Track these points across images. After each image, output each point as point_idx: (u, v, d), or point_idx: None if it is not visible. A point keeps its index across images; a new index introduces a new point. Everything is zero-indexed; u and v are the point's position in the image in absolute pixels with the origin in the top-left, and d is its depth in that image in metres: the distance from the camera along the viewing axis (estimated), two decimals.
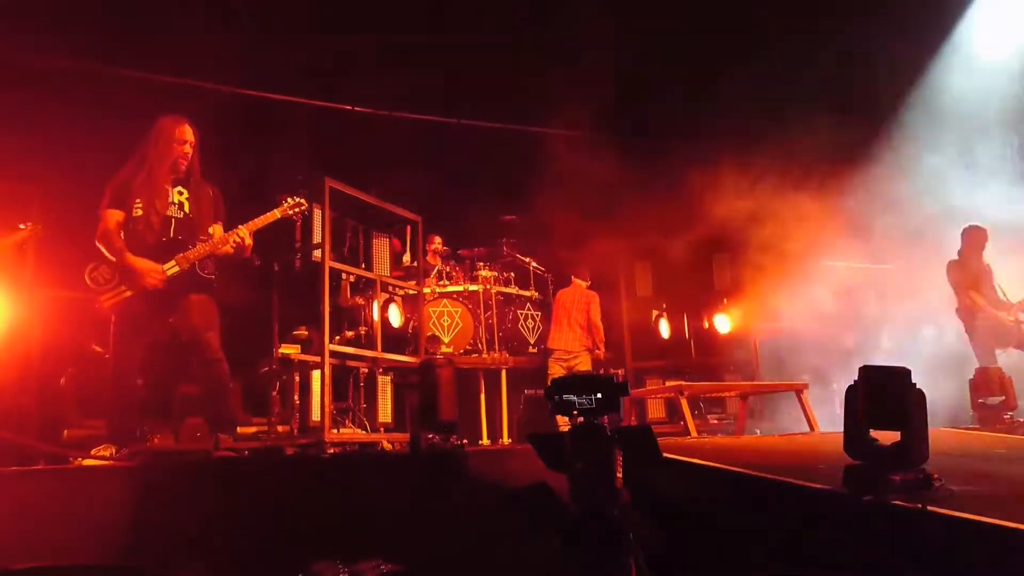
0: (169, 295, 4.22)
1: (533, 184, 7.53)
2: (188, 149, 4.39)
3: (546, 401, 2.46)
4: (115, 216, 4.25)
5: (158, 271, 4.20)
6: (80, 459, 4.14)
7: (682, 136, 8.24)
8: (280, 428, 5.93)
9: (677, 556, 2.65)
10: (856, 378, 2.83)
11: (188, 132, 4.40)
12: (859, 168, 7.66)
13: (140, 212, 4.26)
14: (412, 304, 6.95)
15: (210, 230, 4.45)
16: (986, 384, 6.11)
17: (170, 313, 4.25)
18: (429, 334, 7.05)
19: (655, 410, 7.69)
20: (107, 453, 4.10)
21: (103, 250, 4.23)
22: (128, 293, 4.17)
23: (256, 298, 6.20)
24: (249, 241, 4.44)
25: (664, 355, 8.13)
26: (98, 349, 5.46)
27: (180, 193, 4.39)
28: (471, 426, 6.89)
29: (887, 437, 2.76)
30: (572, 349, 7.32)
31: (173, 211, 4.34)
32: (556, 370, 7.25)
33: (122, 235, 4.25)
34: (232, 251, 4.40)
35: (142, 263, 4.19)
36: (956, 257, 7.14)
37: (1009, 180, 7.91)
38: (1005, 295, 6.99)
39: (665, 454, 3.09)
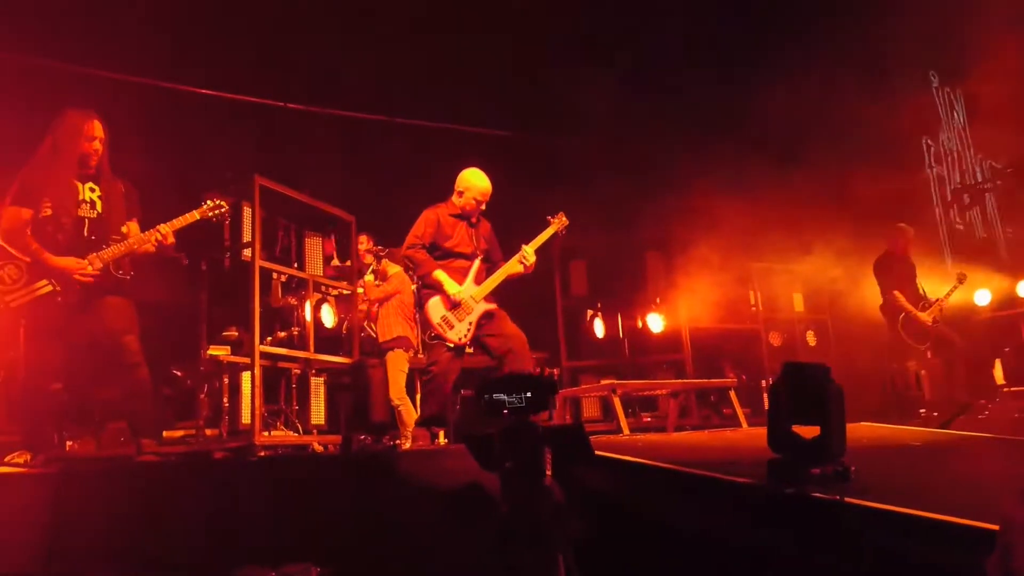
0: (83, 297, 4.05)
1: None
2: (98, 145, 4.16)
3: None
4: (21, 213, 4.03)
5: (83, 265, 4.02)
6: None
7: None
8: (208, 432, 5.78)
9: (607, 553, 2.69)
10: (779, 375, 2.93)
11: (97, 127, 4.15)
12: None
13: (49, 212, 4.03)
14: (346, 304, 6.85)
15: (123, 228, 4.27)
16: (903, 380, 6.40)
17: (85, 315, 4.07)
18: (364, 335, 6.96)
19: (590, 409, 7.77)
20: (21, 460, 3.93)
21: (9, 249, 4.00)
22: (41, 291, 3.97)
23: (183, 298, 6.02)
24: (171, 240, 4.27)
25: (599, 354, 8.22)
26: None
27: (92, 191, 4.18)
28: None
29: (809, 432, 2.86)
30: None
31: (85, 210, 4.13)
32: None
33: (30, 234, 4.03)
34: (154, 249, 4.23)
35: (64, 261, 4.00)
36: (883, 255, 7.44)
37: None
38: (926, 294, 7.31)
39: (597, 452, 3.13)
